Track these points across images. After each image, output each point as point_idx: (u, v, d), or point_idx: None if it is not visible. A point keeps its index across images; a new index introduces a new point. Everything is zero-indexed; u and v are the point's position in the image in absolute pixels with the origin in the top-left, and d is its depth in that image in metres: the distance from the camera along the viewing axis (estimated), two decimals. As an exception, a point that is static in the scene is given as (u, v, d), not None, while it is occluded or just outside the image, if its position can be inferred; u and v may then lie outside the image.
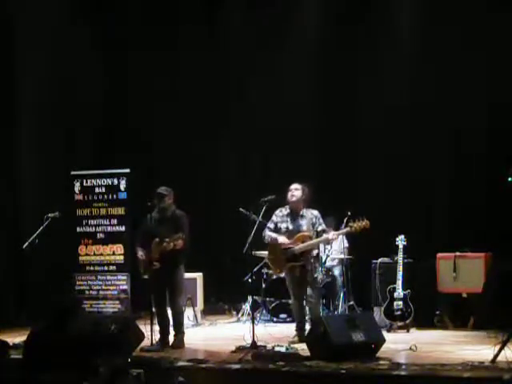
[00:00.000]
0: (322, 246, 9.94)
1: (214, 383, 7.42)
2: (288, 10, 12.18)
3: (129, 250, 11.18)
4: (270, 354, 7.87)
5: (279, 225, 9.16)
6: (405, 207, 11.18)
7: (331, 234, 8.96)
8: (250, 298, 10.53)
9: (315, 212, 9.10)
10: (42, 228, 9.61)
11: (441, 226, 11.09)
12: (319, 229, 9.02)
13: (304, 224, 9.03)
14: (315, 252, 9.14)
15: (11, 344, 8.18)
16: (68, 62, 12.16)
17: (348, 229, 8.99)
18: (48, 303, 9.87)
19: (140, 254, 8.94)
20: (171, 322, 9.04)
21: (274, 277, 11.10)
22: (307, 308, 9.25)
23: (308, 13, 12.04)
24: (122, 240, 11.23)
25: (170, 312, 9.02)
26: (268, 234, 9.16)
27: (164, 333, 8.90)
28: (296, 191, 9.05)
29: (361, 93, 11.72)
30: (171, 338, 8.95)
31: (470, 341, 8.91)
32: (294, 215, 9.10)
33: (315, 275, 9.08)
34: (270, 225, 9.19)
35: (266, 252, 10.90)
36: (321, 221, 9.08)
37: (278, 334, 9.51)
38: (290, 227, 9.09)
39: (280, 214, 9.18)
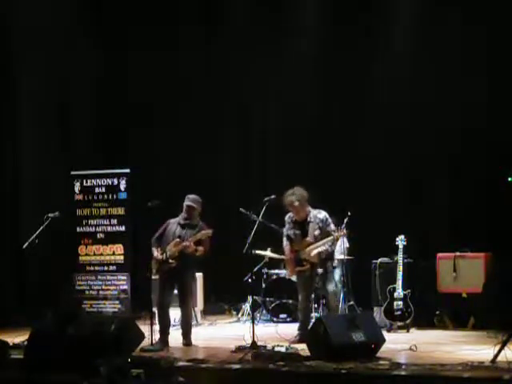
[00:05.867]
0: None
1: (213, 383, 7.42)
2: (288, 10, 12.17)
3: (129, 250, 11.20)
4: (270, 353, 7.87)
5: (288, 231, 9.24)
6: (405, 207, 11.18)
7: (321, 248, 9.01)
8: (249, 298, 10.54)
9: (321, 215, 9.06)
10: (41, 228, 9.60)
11: (441, 226, 11.09)
12: (329, 238, 8.98)
13: (310, 229, 9.04)
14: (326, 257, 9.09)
15: (11, 344, 8.20)
16: (68, 61, 12.16)
17: (331, 237, 8.99)
18: (49, 305, 9.96)
19: (156, 254, 9.01)
20: (178, 322, 9.16)
21: (274, 277, 11.13)
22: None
23: (308, 13, 12.03)
24: (122, 240, 11.23)
25: (180, 312, 9.16)
26: (284, 244, 9.32)
27: (165, 332, 8.95)
28: (297, 209, 9.03)
29: (361, 92, 11.71)
30: (179, 337, 9.04)
31: (469, 341, 8.91)
32: (301, 222, 9.13)
33: (321, 280, 9.09)
34: (285, 233, 9.29)
35: (267, 252, 10.98)
36: (328, 222, 9.04)
37: (278, 334, 9.52)
38: (298, 232, 9.15)
39: (288, 221, 9.25)
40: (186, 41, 12.55)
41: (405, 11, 11.45)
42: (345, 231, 9.28)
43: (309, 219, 9.08)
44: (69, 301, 11.21)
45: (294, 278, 10.92)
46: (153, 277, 9.19)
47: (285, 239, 9.32)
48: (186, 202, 9.08)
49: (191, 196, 9.13)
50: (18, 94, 11.85)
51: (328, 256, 9.13)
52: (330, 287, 9.13)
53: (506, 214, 10.05)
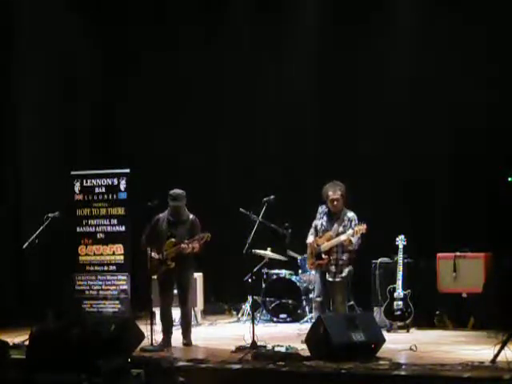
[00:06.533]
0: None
1: (213, 383, 7.42)
2: (288, 10, 12.17)
3: (129, 250, 11.19)
4: (270, 353, 7.87)
5: (317, 222, 9.22)
6: (405, 207, 11.17)
7: (342, 236, 8.90)
8: (250, 298, 10.54)
9: (350, 214, 9.05)
10: (41, 228, 9.60)
11: (441, 226, 11.09)
12: (349, 231, 8.90)
13: (336, 225, 9.02)
14: (344, 254, 9.02)
15: (11, 344, 8.20)
16: (68, 61, 12.16)
17: (351, 231, 8.91)
18: (49, 305, 9.96)
19: (153, 254, 8.99)
20: (179, 321, 9.24)
21: (274, 277, 11.13)
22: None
23: (308, 13, 12.03)
24: (122, 240, 11.23)
25: (179, 311, 9.16)
26: (308, 235, 9.26)
27: (168, 332, 8.98)
28: (337, 202, 9.02)
29: (360, 92, 11.70)
30: (179, 337, 9.06)
31: (470, 341, 8.93)
32: (332, 215, 9.11)
33: (336, 278, 9.00)
34: (313, 225, 9.25)
35: (267, 251, 10.98)
36: (353, 224, 8.96)
37: (278, 333, 9.52)
38: (324, 225, 9.13)
39: (320, 211, 9.23)
40: (186, 41, 12.55)
41: (405, 11, 11.46)
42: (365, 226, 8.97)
43: (340, 215, 9.06)
44: (69, 302, 11.20)
45: (294, 279, 10.98)
46: (153, 277, 9.18)
47: (311, 231, 9.25)
48: (171, 203, 9.00)
49: (174, 193, 9.03)
50: (18, 94, 11.84)
51: (350, 258, 9.04)
52: (339, 298, 9.04)
53: (506, 213, 10.05)
